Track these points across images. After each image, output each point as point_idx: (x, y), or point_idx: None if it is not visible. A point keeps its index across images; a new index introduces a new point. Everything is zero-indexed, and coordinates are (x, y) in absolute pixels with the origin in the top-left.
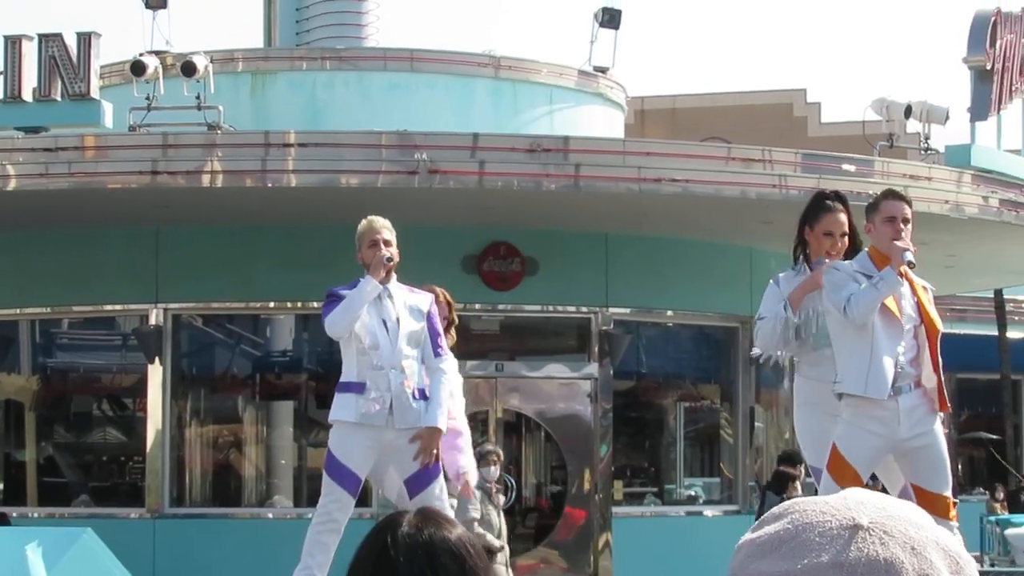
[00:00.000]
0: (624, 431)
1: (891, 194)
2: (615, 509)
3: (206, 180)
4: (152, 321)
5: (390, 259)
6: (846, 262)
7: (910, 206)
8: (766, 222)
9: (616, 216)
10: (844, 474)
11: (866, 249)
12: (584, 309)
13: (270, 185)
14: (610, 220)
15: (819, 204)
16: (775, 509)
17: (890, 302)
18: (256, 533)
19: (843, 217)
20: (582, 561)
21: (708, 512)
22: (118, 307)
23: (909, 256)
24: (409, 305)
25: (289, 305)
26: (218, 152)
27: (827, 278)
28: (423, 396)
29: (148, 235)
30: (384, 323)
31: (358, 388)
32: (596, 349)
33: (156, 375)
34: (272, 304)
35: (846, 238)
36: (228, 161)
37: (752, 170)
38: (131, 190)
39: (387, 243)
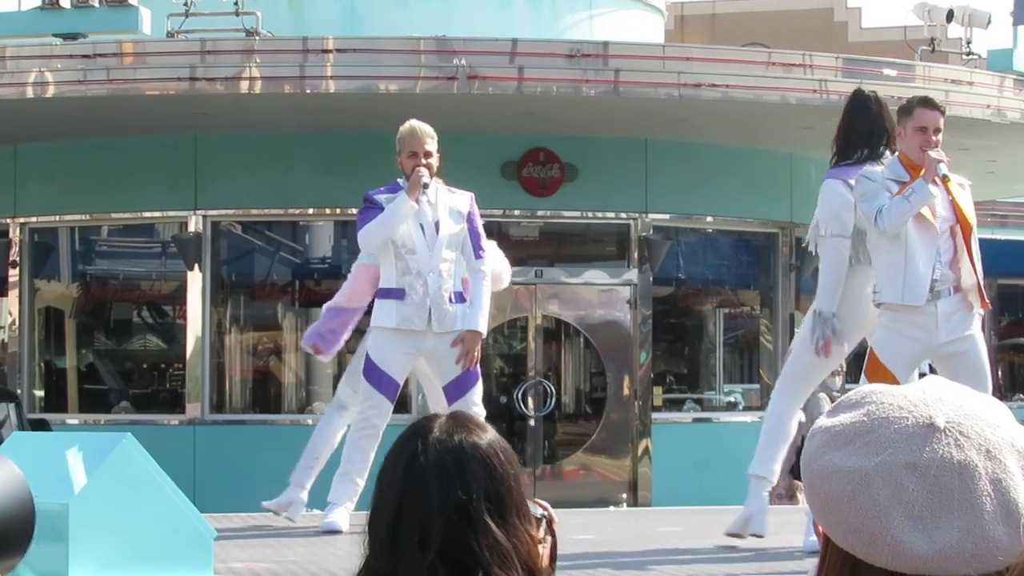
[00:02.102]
0: (663, 337)
1: (925, 102)
2: (654, 415)
3: (244, 86)
4: (191, 228)
5: (427, 185)
6: (877, 169)
7: (943, 115)
8: (807, 127)
9: (656, 122)
10: (883, 380)
11: (896, 154)
12: (623, 215)
13: (308, 91)
14: (650, 126)
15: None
16: (852, 395)
17: (923, 208)
18: (295, 439)
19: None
20: (621, 467)
21: (747, 418)
22: (157, 214)
23: (943, 168)
24: (449, 207)
25: (328, 212)
26: (256, 58)
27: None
28: (460, 299)
29: (186, 142)
30: (422, 227)
31: (398, 294)
32: (635, 255)
33: (196, 282)
34: (311, 211)
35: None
36: (266, 67)
37: (792, 75)
38: (169, 96)
39: (428, 154)
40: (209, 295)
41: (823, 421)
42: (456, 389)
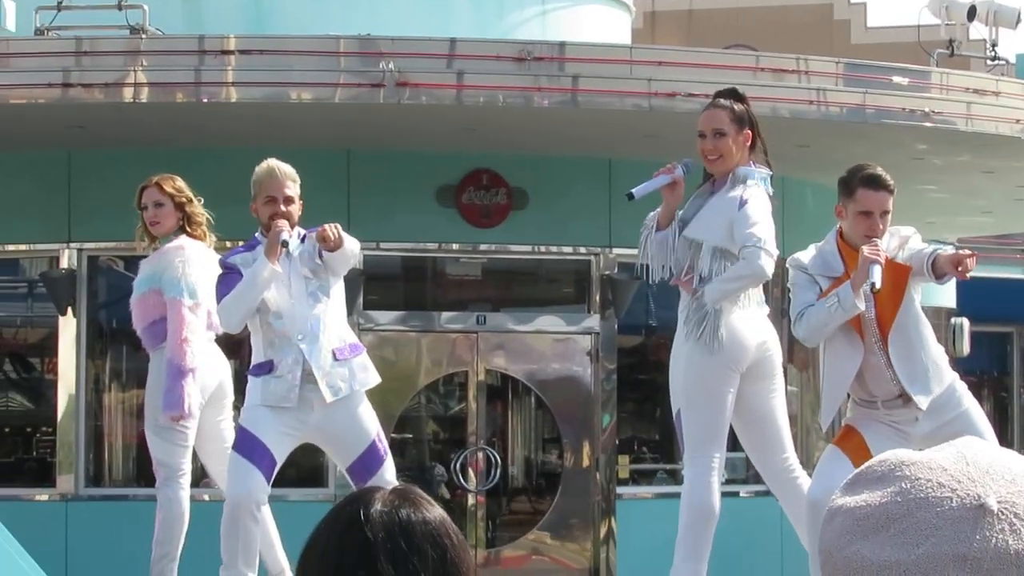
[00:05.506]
0: (631, 397)
1: (868, 180)
2: (620, 490)
3: (128, 94)
4: (64, 264)
5: (287, 243)
6: (808, 257)
7: (892, 193)
8: (802, 145)
9: (622, 138)
10: (850, 438)
11: (835, 235)
12: (583, 250)
13: (205, 100)
14: (615, 143)
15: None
16: (876, 466)
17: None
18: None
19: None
20: (580, 552)
21: (731, 492)
22: (22, 247)
23: (875, 277)
24: (308, 252)
25: (229, 244)
26: (143, 60)
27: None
28: (345, 354)
29: (59, 161)
30: (287, 284)
31: (267, 368)
32: (597, 298)
33: (68, 329)
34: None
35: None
36: (155, 71)
37: (785, 83)
38: (38, 106)
39: (288, 200)
40: (85, 345)
41: (843, 499)
42: (362, 469)
